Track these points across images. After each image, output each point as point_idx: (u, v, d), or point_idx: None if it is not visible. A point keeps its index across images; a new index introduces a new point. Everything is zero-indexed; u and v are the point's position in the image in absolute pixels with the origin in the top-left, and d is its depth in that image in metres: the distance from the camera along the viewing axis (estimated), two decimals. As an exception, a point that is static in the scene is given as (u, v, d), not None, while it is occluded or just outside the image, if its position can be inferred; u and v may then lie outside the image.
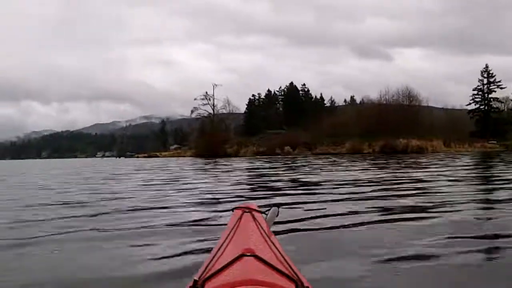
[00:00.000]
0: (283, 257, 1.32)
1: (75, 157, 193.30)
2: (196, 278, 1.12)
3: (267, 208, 2.23)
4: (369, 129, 54.63)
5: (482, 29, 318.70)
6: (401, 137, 50.56)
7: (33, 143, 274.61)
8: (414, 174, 12.13)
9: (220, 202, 6.56)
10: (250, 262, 1.17)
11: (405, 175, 11.93)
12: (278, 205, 2.37)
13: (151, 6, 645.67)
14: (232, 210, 2.11)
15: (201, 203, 6.60)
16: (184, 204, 6.38)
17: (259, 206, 2.15)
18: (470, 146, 55.83)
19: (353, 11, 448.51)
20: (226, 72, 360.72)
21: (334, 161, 26.42)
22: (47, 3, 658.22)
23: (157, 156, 79.54)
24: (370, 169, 15.74)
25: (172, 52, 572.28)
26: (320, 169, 16.54)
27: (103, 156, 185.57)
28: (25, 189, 10.93)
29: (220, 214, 5.15)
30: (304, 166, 20.34)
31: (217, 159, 41.29)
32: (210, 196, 7.70)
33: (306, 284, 1.11)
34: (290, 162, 26.96)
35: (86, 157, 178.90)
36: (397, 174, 12.48)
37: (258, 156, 52.28)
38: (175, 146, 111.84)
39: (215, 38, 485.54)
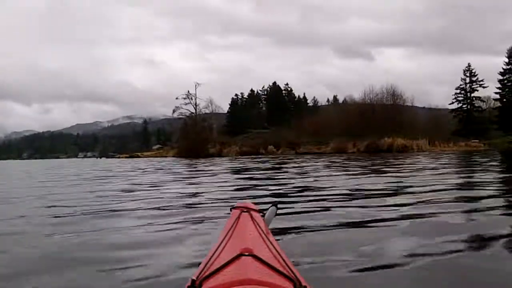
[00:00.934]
0: (281, 256, 1.32)
1: (57, 157, 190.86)
2: (194, 277, 1.12)
3: (266, 207, 2.21)
4: (353, 129, 54.36)
5: (463, 29, 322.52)
6: (385, 136, 50.17)
7: (13, 143, 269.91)
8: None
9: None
10: (248, 262, 1.17)
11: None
12: (276, 204, 2.30)
13: (134, 5, 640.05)
14: (230, 209, 2.09)
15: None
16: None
17: (257, 206, 2.12)
18: (455, 145, 55.64)
19: (336, 12, 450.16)
20: (209, 71, 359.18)
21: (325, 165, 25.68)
22: (27, 1, 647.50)
23: (139, 156, 78.57)
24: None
25: (155, 51, 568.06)
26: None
27: (85, 156, 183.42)
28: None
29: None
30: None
31: (199, 159, 40.49)
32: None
33: (304, 284, 1.11)
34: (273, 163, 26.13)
35: (67, 158, 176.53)
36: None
37: (240, 156, 51.60)
38: (158, 146, 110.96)
39: (199, 38, 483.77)
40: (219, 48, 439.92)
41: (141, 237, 3.92)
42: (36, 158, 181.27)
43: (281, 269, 1.16)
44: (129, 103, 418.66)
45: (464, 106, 75.61)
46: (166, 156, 68.14)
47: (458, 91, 75.93)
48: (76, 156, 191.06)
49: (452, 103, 76.38)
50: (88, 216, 5.27)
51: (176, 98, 70.84)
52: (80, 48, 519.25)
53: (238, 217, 1.81)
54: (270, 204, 2.30)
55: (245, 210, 1.93)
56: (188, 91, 70.96)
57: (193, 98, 71.11)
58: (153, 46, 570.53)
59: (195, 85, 71.42)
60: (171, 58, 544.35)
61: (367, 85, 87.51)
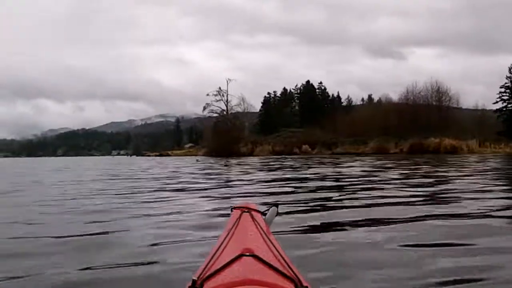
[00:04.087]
0: (282, 257, 1.32)
1: (91, 155, 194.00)
2: (195, 277, 1.12)
3: (266, 208, 2.17)
4: (394, 128, 51.51)
5: (496, 28, 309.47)
6: (430, 136, 46.90)
7: (49, 141, 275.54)
8: None
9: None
10: (249, 262, 1.18)
11: None
12: (277, 204, 2.25)
13: (161, 5, 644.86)
14: (231, 210, 2.07)
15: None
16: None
17: (258, 206, 2.11)
18: (506, 146, 51.74)
19: (365, 10, 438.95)
20: (238, 71, 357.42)
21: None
22: (59, 1, 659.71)
23: (168, 155, 77.79)
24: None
25: (184, 51, 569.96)
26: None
27: (118, 154, 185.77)
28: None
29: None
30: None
31: (230, 159, 38.59)
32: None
33: (305, 284, 1.12)
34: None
35: (101, 155, 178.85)
36: None
37: (275, 156, 49.47)
38: (190, 144, 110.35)
39: (227, 37, 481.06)
40: (247, 47, 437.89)
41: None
42: (70, 156, 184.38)
43: (282, 269, 1.15)
44: (162, 102, 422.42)
45: (509, 105, 71.31)
46: (196, 155, 66.80)
47: (502, 90, 71.71)
48: (109, 154, 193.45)
49: (496, 102, 72.12)
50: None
51: (207, 95, 69.12)
52: (111, 48, 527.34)
53: (239, 217, 1.79)
54: (271, 204, 2.22)
55: (246, 210, 1.91)
56: (220, 88, 69.17)
57: (225, 94, 69.23)
58: (181, 46, 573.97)
59: (227, 81, 69.55)
60: (199, 58, 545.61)
61: (409, 82, 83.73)
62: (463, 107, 71.62)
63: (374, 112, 65.30)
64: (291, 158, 39.12)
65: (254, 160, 34.95)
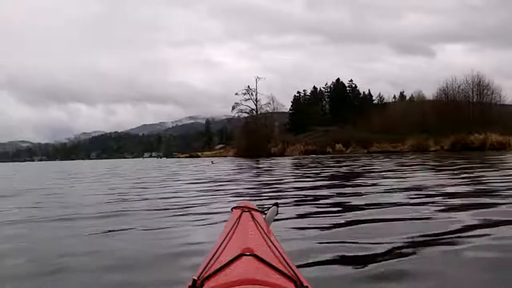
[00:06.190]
0: (282, 256, 1.32)
1: (123, 157, 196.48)
2: (195, 277, 1.12)
3: (266, 207, 2.15)
4: (432, 125, 49.15)
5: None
6: (474, 132, 44.15)
7: (82, 144, 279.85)
8: None
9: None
10: (249, 262, 1.18)
11: None
12: (277, 204, 2.22)
13: (187, 8, 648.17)
14: (231, 209, 2.06)
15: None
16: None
17: (258, 205, 2.09)
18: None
19: (391, 7, 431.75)
20: (266, 71, 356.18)
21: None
22: (87, 4, 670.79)
23: (198, 156, 77.52)
24: None
25: (212, 52, 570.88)
26: None
27: (150, 156, 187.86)
28: None
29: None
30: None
31: (260, 159, 37.27)
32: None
33: (305, 284, 1.11)
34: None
35: (133, 158, 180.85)
36: None
37: (308, 156, 47.91)
38: (220, 145, 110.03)
39: (253, 38, 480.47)
40: (274, 47, 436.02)
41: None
42: (103, 158, 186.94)
43: (282, 269, 1.15)
44: (192, 103, 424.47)
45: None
46: (226, 156, 65.89)
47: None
48: (142, 156, 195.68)
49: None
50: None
51: (236, 94, 67.96)
52: (137, 50, 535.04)
53: (239, 217, 1.78)
54: (271, 204, 2.19)
55: (246, 210, 1.90)
56: (248, 86, 67.94)
57: (253, 93, 67.92)
58: (208, 47, 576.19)
59: (256, 80, 68.24)
60: (227, 59, 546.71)
61: (443, 78, 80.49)
62: (500, 102, 68.33)
63: (410, 109, 62.79)
64: (340, 157, 36.51)
65: (288, 161, 33.41)
